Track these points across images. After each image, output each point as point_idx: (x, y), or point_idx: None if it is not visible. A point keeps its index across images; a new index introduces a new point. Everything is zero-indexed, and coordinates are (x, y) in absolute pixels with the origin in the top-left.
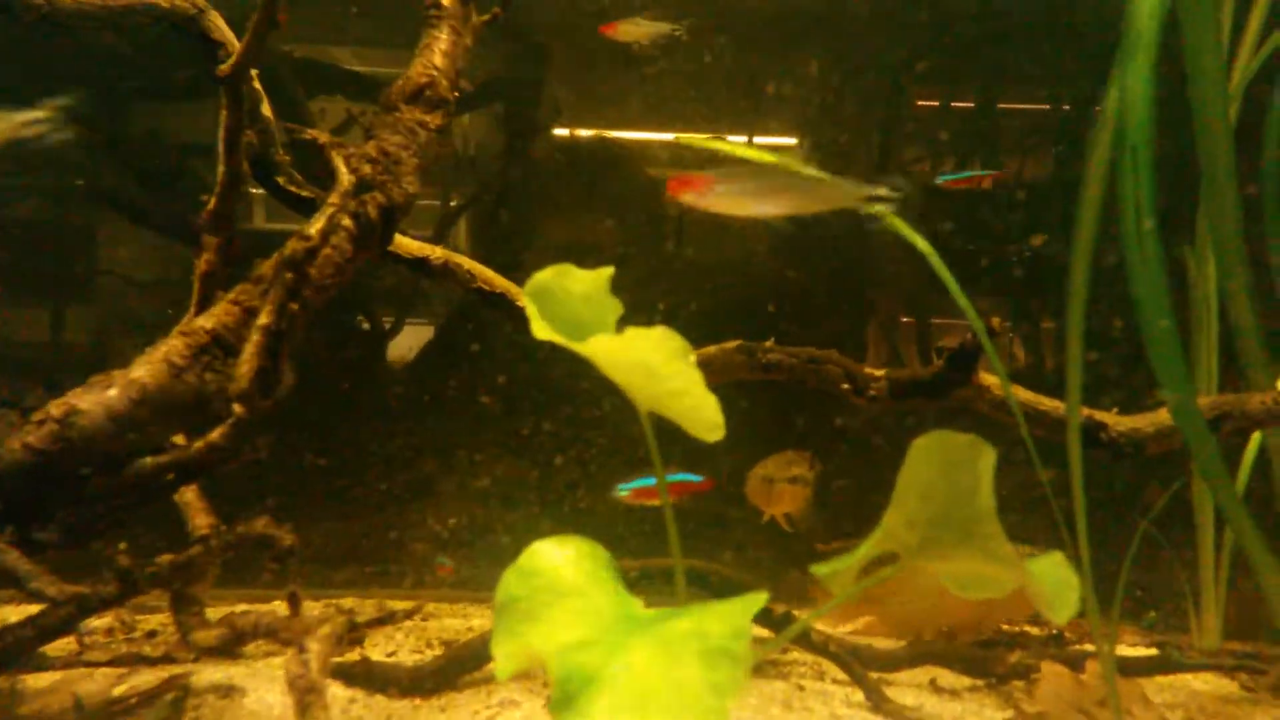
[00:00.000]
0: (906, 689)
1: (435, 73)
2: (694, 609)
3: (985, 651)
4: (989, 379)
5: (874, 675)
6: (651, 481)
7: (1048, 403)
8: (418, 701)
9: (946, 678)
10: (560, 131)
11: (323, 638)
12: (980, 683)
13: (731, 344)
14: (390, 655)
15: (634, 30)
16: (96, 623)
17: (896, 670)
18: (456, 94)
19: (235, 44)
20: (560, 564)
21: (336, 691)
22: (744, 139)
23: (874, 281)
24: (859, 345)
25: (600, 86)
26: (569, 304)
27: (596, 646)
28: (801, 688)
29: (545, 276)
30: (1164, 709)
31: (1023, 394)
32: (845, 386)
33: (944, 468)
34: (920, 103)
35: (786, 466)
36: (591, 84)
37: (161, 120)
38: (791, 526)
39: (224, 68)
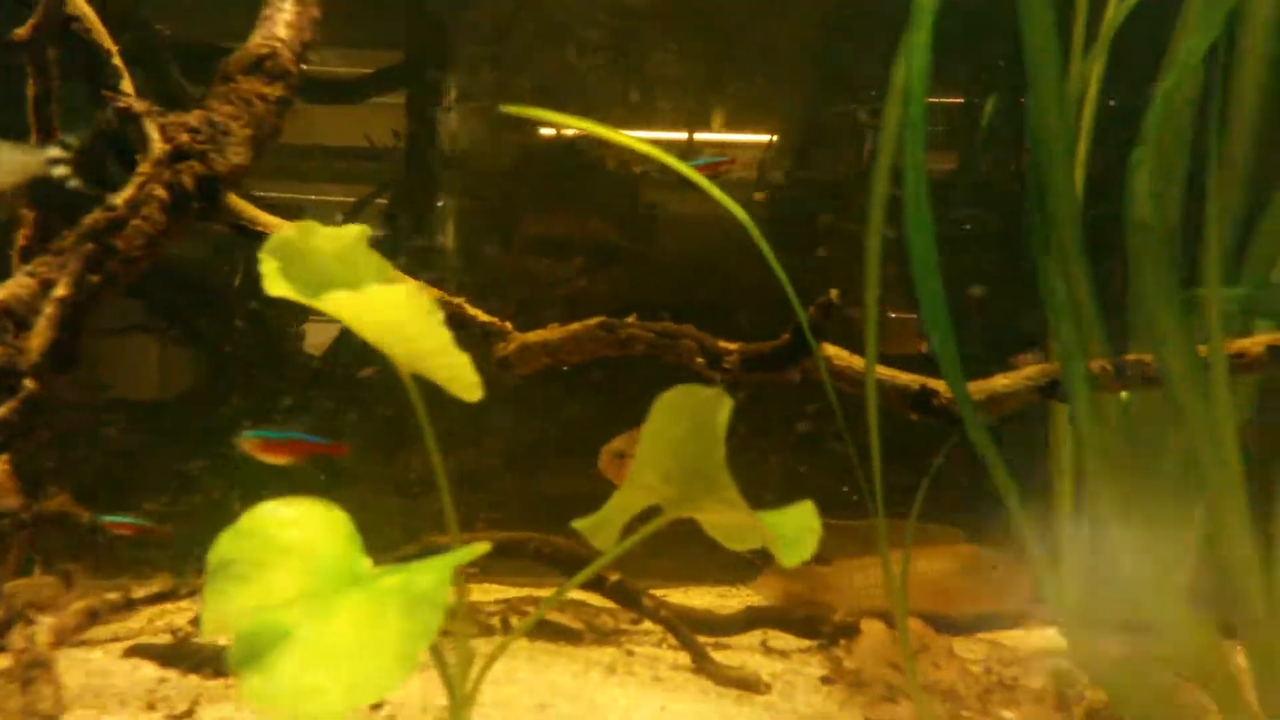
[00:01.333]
0: (741, 651)
1: (277, 44)
2: (413, 565)
3: (810, 612)
4: (831, 350)
5: (711, 639)
6: (280, 435)
7: (884, 371)
8: (230, 682)
9: (781, 639)
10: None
11: (67, 613)
12: (810, 643)
13: (594, 320)
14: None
15: None
16: None
17: (732, 634)
18: (304, 66)
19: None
20: (283, 524)
21: (148, 671)
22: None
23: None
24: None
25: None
26: (317, 261)
27: (300, 604)
28: (631, 653)
29: (288, 233)
30: (967, 661)
31: (859, 363)
32: (700, 360)
33: (692, 422)
34: None
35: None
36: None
37: None
38: None
39: (20, 31)
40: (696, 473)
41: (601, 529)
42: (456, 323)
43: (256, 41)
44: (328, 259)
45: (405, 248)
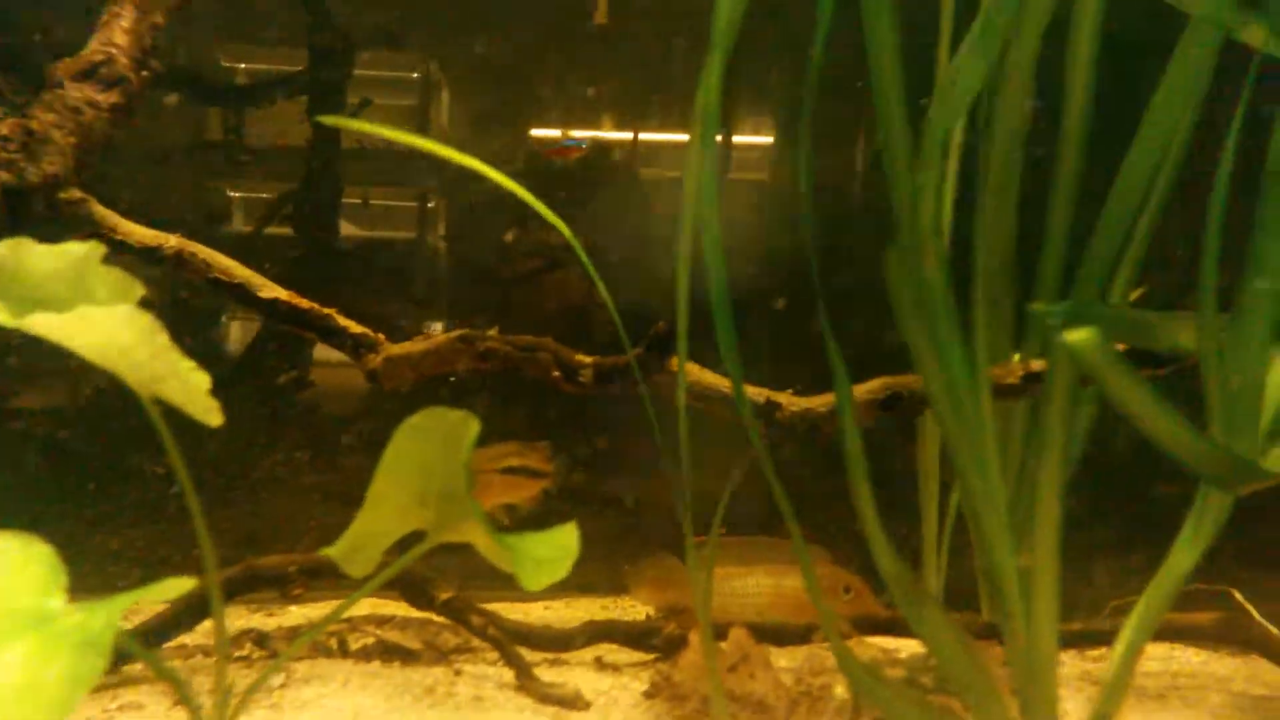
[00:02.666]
0: (577, 667)
1: (114, 50)
2: (97, 604)
3: (648, 625)
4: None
5: (551, 654)
6: None
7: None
8: None
9: (615, 654)
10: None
11: None
12: (644, 656)
13: (455, 333)
14: None
15: None
16: None
17: (569, 650)
18: (146, 73)
19: None
20: None
21: None
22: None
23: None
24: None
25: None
26: (31, 281)
27: None
28: (460, 672)
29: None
30: (782, 671)
31: (708, 377)
32: (556, 374)
33: (442, 444)
34: None
35: (501, 458)
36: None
37: None
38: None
39: None
40: (453, 495)
41: (356, 555)
42: (326, 333)
43: (93, 47)
44: (44, 278)
45: (307, 248)
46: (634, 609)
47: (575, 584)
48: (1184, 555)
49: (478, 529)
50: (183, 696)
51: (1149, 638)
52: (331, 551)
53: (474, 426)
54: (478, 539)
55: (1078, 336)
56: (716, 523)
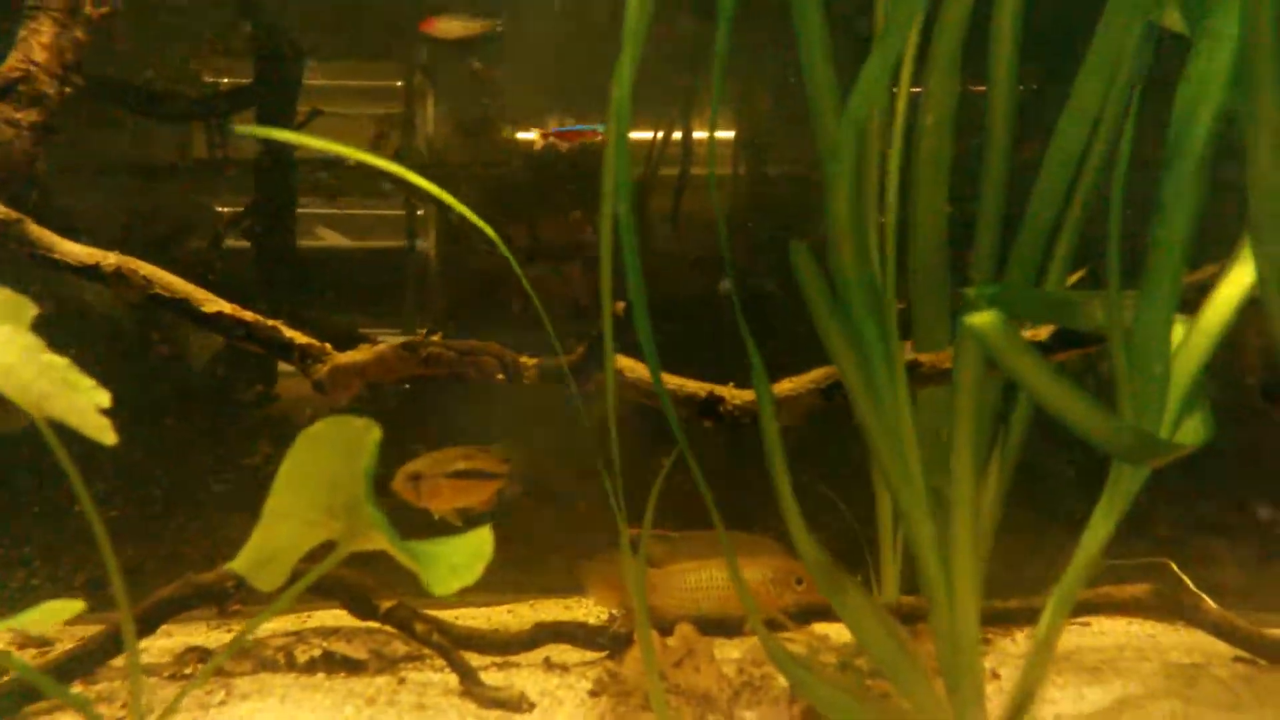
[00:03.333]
0: (525, 669)
1: (33, 67)
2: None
3: (595, 627)
4: (624, 362)
5: (500, 658)
6: None
7: (673, 380)
8: None
9: (565, 654)
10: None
11: None
12: (593, 655)
13: (398, 340)
14: None
15: (453, 28)
16: None
17: (519, 652)
18: (68, 89)
19: None
20: None
21: None
22: None
23: None
24: None
25: None
26: None
27: None
28: (404, 680)
29: None
30: (725, 663)
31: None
32: (500, 376)
33: (345, 453)
34: None
35: (448, 462)
36: None
37: None
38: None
39: None
40: (358, 504)
41: (263, 569)
42: (273, 345)
43: (10, 64)
44: None
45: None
46: (599, 609)
47: (539, 586)
48: (1099, 529)
49: (383, 537)
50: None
51: (1069, 610)
52: (236, 565)
53: (375, 433)
54: (385, 546)
55: (980, 319)
56: (648, 519)
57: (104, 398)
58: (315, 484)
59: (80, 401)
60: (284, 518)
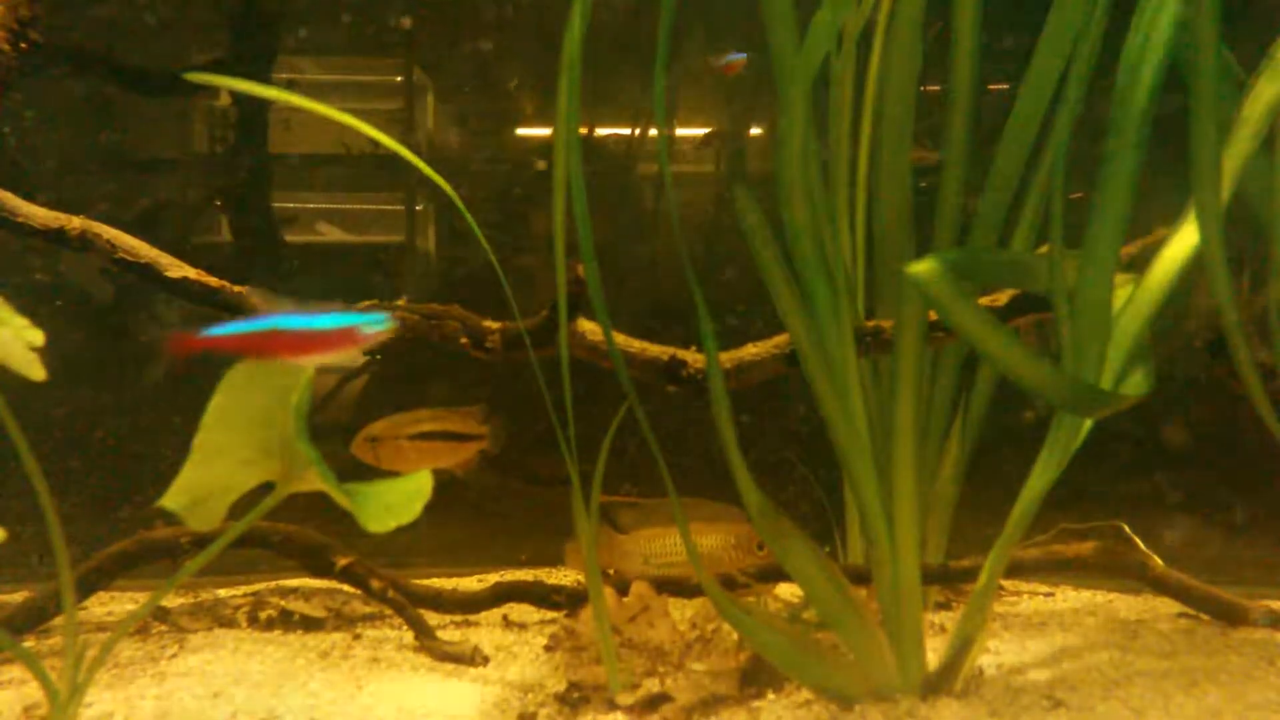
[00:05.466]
0: (484, 627)
1: None
2: None
3: (553, 585)
4: (585, 325)
5: (460, 616)
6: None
7: (636, 344)
8: None
9: (525, 613)
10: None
11: None
12: (550, 615)
13: (364, 304)
14: None
15: None
16: None
17: (479, 610)
18: (24, 44)
19: None
20: None
21: None
22: None
23: None
24: None
25: None
26: None
27: None
28: (359, 636)
29: None
30: (679, 620)
31: (618, 337)
32: (465, 341)
33: (276, 394)
34: None
35: (413, 423)
36: None
37: None
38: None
39: None
40: (292, 442)
41: (198, 508)
42: (239, 312)
43: None
44: None
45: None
46: (567, 578)
47: (513, 560)
48: (1038, 480)
49: (317, 476)
50: (35, 671)
51: (1007, 561)
52: (168, 503)
53: (306, 374)
54: (320, 486)
55: (921, 268)
56: (597, 484)
57: (37, 336)
58: (248, 421)
59: (6, 335)
60: (217, 455)
